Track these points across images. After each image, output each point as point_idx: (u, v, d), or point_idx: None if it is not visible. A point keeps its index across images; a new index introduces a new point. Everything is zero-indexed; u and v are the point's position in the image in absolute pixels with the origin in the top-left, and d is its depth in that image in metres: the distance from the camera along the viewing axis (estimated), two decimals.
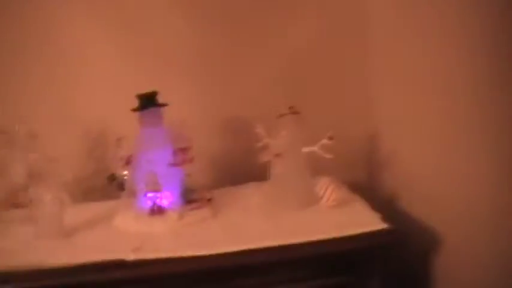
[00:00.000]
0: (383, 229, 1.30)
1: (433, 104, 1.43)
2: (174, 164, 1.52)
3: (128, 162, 1.55)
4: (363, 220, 1.37)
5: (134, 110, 1.53)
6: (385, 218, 1.36)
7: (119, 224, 1.50)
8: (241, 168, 1.79)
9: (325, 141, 1.46)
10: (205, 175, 1.81)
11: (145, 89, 1.54)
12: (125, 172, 1.55)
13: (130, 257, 1.27)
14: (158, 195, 1.49)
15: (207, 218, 1.51)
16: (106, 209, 1.60)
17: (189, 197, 1.55)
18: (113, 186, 1.59)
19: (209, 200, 1.61)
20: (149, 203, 1.49)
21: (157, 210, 1.49)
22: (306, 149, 1.49)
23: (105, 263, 1.26)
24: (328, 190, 1.46)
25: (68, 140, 1.77)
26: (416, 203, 1.56)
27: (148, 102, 1.54)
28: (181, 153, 1.54)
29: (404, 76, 1.61)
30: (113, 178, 1.58)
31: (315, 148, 1.47)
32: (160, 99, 1.56)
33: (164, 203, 1.51)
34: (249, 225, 1.43)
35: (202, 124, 1.76)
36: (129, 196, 1.55)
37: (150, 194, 1.49)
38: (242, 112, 1.81)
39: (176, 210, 1.49)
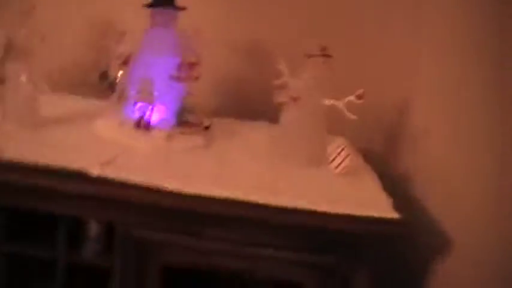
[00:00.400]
0: (390, 218, 1.09)
1: (476, 96, 1.19)
2: (176, 77, 1.31)
3: (125, 61, 1.34)
4: (370, 200, 1.16)
5: (147, 5, 1.30)
6: (395, 204, 1.15)
7: (98, 129, 1.31)
8: (252, 102, 1.58)
9: (352, 98, 1.22)
10: (209, 99, 1.62)
11: None
12: (120, 72, 1.34)
13: (95, 171, 1.09)
14: (149, 107, 1.29)
15: (198, 147, 1.31)
16: (90, 109, 1.41)
17: (185, 119, 1.35)
18: (104, 86, 1.39)
19: (206, 127, 1.41)
20: (137, 114, 1.29)
21: (143, 125, 1.30)
22: (328, 101, 1.26)
23: (64, 171, 1.08)
24: (340, 155, 1.25)
25: (70, 24, 1.56)
26: (431, 192, 1.35)
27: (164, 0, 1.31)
28: (187, 68, 1.32)
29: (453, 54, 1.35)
30: (104, 76, 1.37)
31: (339, 103, 1.24)
32: (179, 1, 1.33)
33: (154, 118, 1.31)
34: (242, 169, 1.23)
35: (218, 40, 1.53)
36: (119, 100, 1.35)
37: (139, 104, 1.28)
38: (267, 38, 1.58)
39: (165, 129, 1.29)
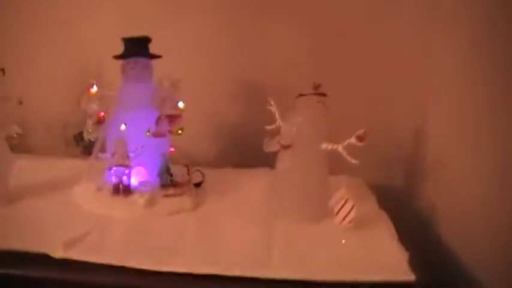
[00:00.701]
0: (407, 282, 0.91)
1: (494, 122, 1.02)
2: (155, 134, 1.17)
3: (99, 121, 1.21)
4: (382, 258, 0.99)
5: (117, 57, 1.18)
6: (412, 258, 0.98)
7: (75, 199, 1.18)
8: (251, 147, 1.42)
9: (353, 140, 1.06)
10: (205, 149, 1.48)
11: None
12: (95, 133, 1.21)
13: (58, 253, 0.95)
14: (126, 170, 1.15)
15: (185, 210, 1.16)
16: (67, 174, 1.28)
17: (170, 179, 1.20)
18: (80, 148, 1.27)
19: (197, 184, 1.26)
20: (113, 179, 1.16)
21: (122, 190, 1.16)
22: (325, 145, 1.10)
23: (26, 255, 0.95)
24: (344, 207, 1.08)
25: (45, 81, 1.47)
26: (459, 233, 1.15)
27: (135, 48, 1.19)
28: (166, 121, 1.19)
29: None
30: (80, 138, 1.25)
31: (338, 147, 1.08)
32: (154, 48, 1.20)
33: (133, 181, 1.18)
34: (232, 236, 1.07)
35: (208, 85, 1.41)
36: (97, 164, 1.22)
37: (114, 168, 1.15)
38: (261, 78, 1.44)
39: (146, 193, 1.15)
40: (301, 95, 1.13)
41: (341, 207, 1.08)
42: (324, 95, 1.13)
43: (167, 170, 1.20)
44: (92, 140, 1.22)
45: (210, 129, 1.51)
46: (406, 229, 1.12)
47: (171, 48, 1.24)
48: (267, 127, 1.19)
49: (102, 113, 1.20)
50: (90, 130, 1.21)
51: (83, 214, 1.12)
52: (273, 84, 1.39)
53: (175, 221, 1.12)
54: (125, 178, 1.15)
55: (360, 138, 1.05)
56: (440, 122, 1.29)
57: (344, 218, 1.08)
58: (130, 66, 1.18)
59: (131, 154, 1.14)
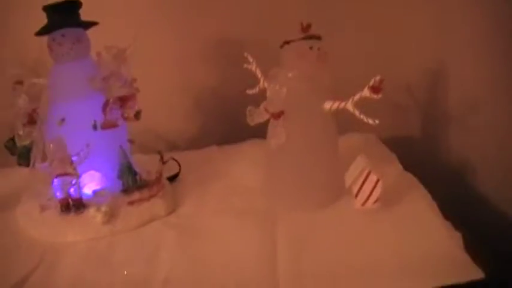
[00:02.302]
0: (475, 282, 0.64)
1: None
2: (104, 125, 0.89)
3: (30, 120, 0.93)
4: (429, 249, 0.72)
5: (39, 33, 0.89)
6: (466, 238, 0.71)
7: (19, 221, 0.91)
8: (239, 117, 1.15)
9: (366, 93, 0.78)
10: (183, 128, 1.22)
11: None
12: (28, 137, 0.93)
13: None
14: (72, 180, 0.87)
15: (158, 218, 0.89)
16: (12, 188, 1.01)
17: (134, 179, 0.93)
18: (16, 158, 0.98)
19: (172, 178, 0.99)
20: (59, 193, 0.88)
21: (73, 206, 0.88)
22: (329, 105, 0.82)
23: None
24: (367, 182, 0.80)
25: None
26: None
27: (60, 18, 0.89)
28: (119, 105, 0.91)
29: None
30: (12, 145, 0.97)
31: (346, 104, 0.80)
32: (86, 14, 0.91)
33: (85, 191, 0.90)
34: (222, 251, 0.79)
35: (170, 51, 1.15)
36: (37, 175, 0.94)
37: (58, 178, 0.87)
38: (237, 32, 1.14)
39: (102, 205, 0.87)
40: (286, 42, 0.84)
41: (362, 185, 0.81)
42: (317, 37, 0.84)
43: (128, 169, 0.92)
44: (27, 145, 0.93)
45: (184, 101, 1.23)
46: (436, 190, 0.86)
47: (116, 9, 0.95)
48: (248, 91, 0.91)
49: (32, 110, 0.92)
50: (21, 133, 0.93)
51: (26, 244, 0.85)
52: (252, 38, 1.09)
53: (147, 236, 0.85)
54: (72, 190, 0.87)
55: (375, 90, 0.77)
56: (462, 62, 1.02)
57: (367, 199, 0.80)
58: (57, 42, 0.89)
59: (74, 158, 0.85)
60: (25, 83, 0.93)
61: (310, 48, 0.82)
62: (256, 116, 0.84)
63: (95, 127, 0.89)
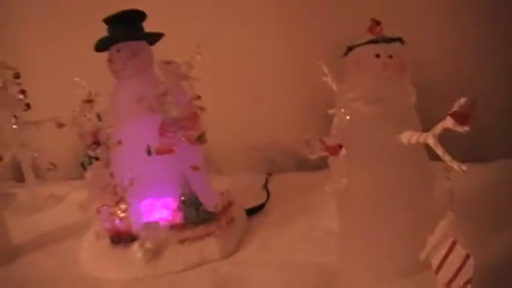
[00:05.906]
0: None
1: None
2: (159, 150, 0.79)
3: (95, 141, 0.87)
4: None
5: (98, 48, 0.82)
6: None
7: (81, 251, 0.86)
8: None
9: (448, 122, 0.52)
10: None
11: None
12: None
13: None
14: (118, 211, 0.78)
15: (209, 261, 0.75)
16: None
17: (197, 213, 0.80)
18: None
19: (251, 210, 0.86)
20: (105, 223, 0.80)
21: (119, 237, 0.80)
22: (408, 136, 0.58)
23: None
24: (451, 255, 0.54)
25: None
26: None
27: (118, 30, 0.81)
28: (176, 127, 0.79)
29: None
30: (89, 163, 0.93)
31: (428, 137, 0.55)
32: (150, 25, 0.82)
33: (136, 222, 0.81)
34: None
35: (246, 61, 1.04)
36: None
37: (104, 207, 0.79)
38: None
39: (147, 241, 0.77)
40: (349, 48, 0.62)
41: (445, 256, 0.55)
42: (400, 40, 0.61)
43: (191, 200, 0.79)
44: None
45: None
46: None
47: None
48: (330, 111, 0.71)
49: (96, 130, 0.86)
50: (91, 154, 0.88)
51: (72, 277, 0.79)
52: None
53: (186, 283, 0.71)
54: (117, 221, 0.78)
55: (462, 118, 0.51)
56: None
57: (452, 280, 0.54)
58: (110, 59, 0.81)
59: (118, 187, 0.76)
60: (94, 101, 0.88)
61: (377, 56, 0.59)
62: (311, 150, 0.64)
63: (148, 152, 0.79)
